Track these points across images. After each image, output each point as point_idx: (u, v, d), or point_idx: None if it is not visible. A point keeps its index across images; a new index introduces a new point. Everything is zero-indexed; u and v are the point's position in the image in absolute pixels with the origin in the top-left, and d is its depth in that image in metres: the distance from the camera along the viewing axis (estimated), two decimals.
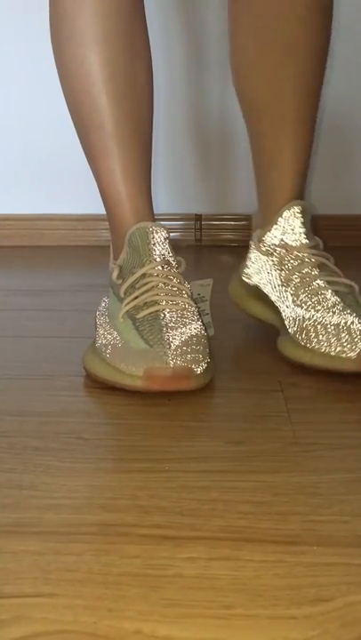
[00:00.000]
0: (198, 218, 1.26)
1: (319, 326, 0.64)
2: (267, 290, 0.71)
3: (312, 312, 0.65)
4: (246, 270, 0.73)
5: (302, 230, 0.69)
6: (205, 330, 0.63)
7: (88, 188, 1.32)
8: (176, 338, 0.60)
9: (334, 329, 0.63)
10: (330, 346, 0.63)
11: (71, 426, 0.55)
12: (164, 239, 0.68)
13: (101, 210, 1.26)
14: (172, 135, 1.30)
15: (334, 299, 0.65)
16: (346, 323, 0.63)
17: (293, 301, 0.67)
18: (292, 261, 0.69)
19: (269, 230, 0.70)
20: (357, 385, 0.62)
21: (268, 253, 0.70)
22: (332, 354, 0.63)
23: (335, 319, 0.63)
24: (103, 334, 0.64)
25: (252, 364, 0.68)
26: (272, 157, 0.72)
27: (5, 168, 1.33)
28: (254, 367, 0.67)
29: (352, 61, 1.23)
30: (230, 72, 0.77)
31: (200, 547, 0.41)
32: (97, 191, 1.36)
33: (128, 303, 0.64)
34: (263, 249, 0.71)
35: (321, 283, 0.66)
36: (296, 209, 0.69)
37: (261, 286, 0.71)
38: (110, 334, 0.64)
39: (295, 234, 0.69)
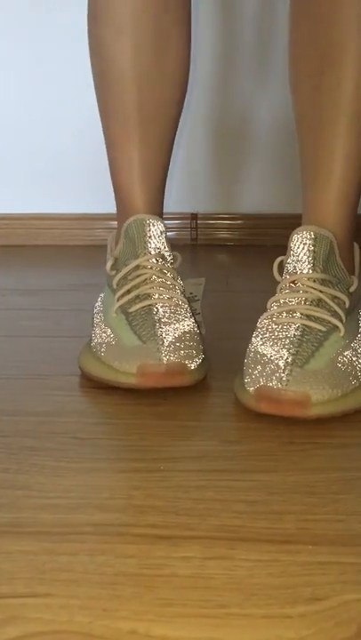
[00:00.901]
0: (194, 217, 1.26)
1: (252, 351, 0.58)
2: None
3: (258, 338, 0.59)
4: None
5: (309, 259, 0.61)
6: (198, 327, 0.63)
7: (84, 187, 1.32)
8: (169, 334, 0.59)
9: (260, 358, 0.57)
10: (245, 373, 0.58)
11: (67, 425, 0.55)
12: (161, 232, 0.68)
13: (97, 209, 1.26)
14: None
15: (293, 332, 0.57)
16: (272, 356, 0.56)
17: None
18: (285, 289, 0.62)
19: (290, 256, 0.63)
20: None
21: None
22: (242, 382, 0.58)
23: (268, 350, 0.57)
24: (99, 333, 0.64)
25: None
26: (307, 175, 0.67)
27: (1, 167, 1.32)
28: None
29: None
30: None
31: (195, 546, 0.41)
32: (93, 190, 1.36)
33: (121, 297, 0.64)
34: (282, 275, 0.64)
35: (297, 314, 0.59)
36: (306, 234, 0.62)
37: None
38: (104, 332, 0.64)
39: (301, 261, 0.61)
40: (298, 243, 0.62)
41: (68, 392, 0.63)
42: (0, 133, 1.30)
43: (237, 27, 1.12)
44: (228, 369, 0.65)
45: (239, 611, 0.36)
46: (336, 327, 0.58)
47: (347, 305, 0.61)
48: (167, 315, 0.61)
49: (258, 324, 0.61)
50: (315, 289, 0.60)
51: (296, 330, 0.57)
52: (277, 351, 0.56)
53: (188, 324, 0.61)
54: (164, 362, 0.58)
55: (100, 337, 0.64)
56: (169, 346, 0.58)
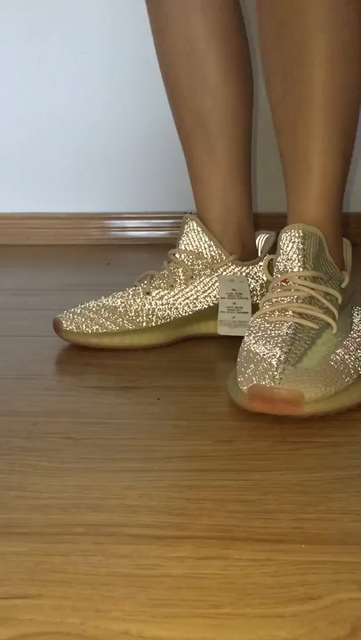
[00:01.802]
0: None
1: (245, 350, 0.58)
2: None
3: (251, 337, 0.59)
4: None
5: (299, 257, 0.61)
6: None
7: (77, 186, 1.32)
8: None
9: (253, 356, 0.56)
10: (238, 372, 0.57)
11: (60, 426, 0.54)
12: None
13: (90, 208, 1.26)
14: (161, 132, 1.29)
15: (286, 331, 0.57)
16: (265, 354, 0.55)
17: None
18: (276, 288, 0.62)
19: (279, 255, 0.63)
20: None
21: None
22: (235, 381, 0.57)
23: (261, 348, 0.56)
24: None
25: None
26: (288, 176, 0.67)
27: None
28: None
29: None
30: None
31: (188, 546, 0.41)
32: (86, 190, 1.36)
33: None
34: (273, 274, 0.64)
35: (289, 313, 0.59)
36: (294, 232, 0.61)
37: None
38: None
39: (291, 260, 0.61)
40: (287, 241, 0.62)
41: (61, 392, 0.63)
42: None
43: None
44: (222, 369, 0.65)
45: (233, 610, 0.36)
46: (328, 324, 0.58)
47: (339, 301, 0.61)
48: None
49: (250, 323, 0.61)
50: (306, 287, 0.60)
51: (288, 328, 0.57)
52: (270, 349, 0.55)
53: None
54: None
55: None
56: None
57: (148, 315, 0.72)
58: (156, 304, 0.72)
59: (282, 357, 0.54)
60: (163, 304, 0.72)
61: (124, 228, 1.32)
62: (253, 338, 0.58)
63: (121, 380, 0.65)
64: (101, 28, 1.24)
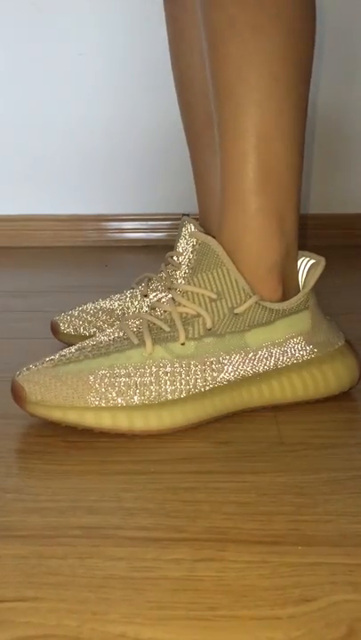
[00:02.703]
0: None
1: None
2: None
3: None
4: None
5: (178, 244, 0.62)
6: None
7: (74, 188, 1.32)
8: None
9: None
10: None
11: (56, 428, 0.54)
12: None
13: (88, 210, 1.26)
14: (157, 134, 1.29)
15: (105, 337, 0.57)
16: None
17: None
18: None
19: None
20: None
21: None
22: None
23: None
24: None
25: None
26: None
27: None
28: None
29: (341, 63, 1.24)
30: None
31: (185, 548, 0.41)
32: (83, 192, 1.36)
33: None
34: None
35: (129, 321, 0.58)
36: (185, 219, 0.64)
37: None
38: None
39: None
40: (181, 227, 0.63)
41: None
42: None
43: None
44: None
45: (229, 612, 0.36)
46: (142, 343, 0.56)
47: (208, 324, 0.55)
48: None
49: None
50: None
51: (110, 335, 0.58)
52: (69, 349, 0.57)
53: None
54: None
55: None
56: None
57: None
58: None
59: (55, 357, 0.56)
60: None
61: (122, 230, 1.32)
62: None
63: None
64: (98, 30, 1.25)
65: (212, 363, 0.55)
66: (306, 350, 0.59)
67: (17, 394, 0.54)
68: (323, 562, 0.39)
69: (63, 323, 0.73)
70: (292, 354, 0.58)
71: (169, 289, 0.59)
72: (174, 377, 0.55)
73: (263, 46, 0.54)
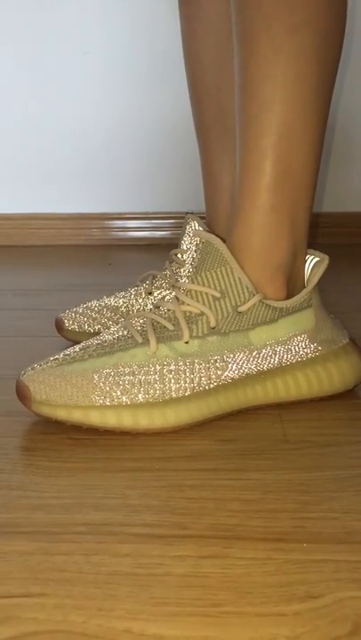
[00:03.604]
0: None
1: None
2: None
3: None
4: None
5: (182, 242, 0.65)
6: None
7: (77, 187, 1.32)
8: None
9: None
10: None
11: (61, 426, 0.54)
12: None
13: (91, 209, 1.26)
14: (161, 133, 1.29)
15: (110, 336, 0.57)
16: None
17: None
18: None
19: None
20: None
21: None
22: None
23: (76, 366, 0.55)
24: None
25: None
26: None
27: None
28: None
29: None
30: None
31: (190, 545, 0.41)
32: (86, 190, 1.36)
33: None
34: None
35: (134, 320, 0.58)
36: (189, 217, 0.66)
37: None
38: None
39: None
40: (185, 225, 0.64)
41: None
42: None
43: None
44: None
45: (234, 609, 0.36)
46: (146, 342, 0.56)
47: (212, 323, 0.55)
48: None
49: None
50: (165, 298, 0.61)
51: (114, 333, 0.58)
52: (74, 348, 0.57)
53: None
54: None
55: None
56: None
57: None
58: None
59: (60, 356, 0.56)
60: None
61: (126, 229, 1.32)
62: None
63: None
64: (103, 29, 1.25)
65: (216, 361, 0.55)
66: (310, 348, 0.59)
67: (22, 393, 0.54)
68: (328, 559, 0.39)
69: (68, 319, 0.73)
70: (296, 352, 0.58)
71: (173, 287, 0.59)
72: (179, 375, 0.55)
73: (295, 46, 0.54)
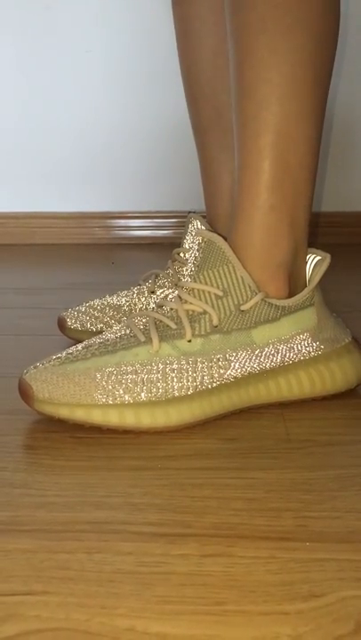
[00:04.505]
0: None
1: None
2: None
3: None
4: None
5: (185, 241, 0.67)
6: None
7: (80, 185, 1.32)
8: None
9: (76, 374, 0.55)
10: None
11: (63, 424, 0.54)
12: None
13: (94, 207, 1.25)
14: (163, 132, 1.29)
15: (112, 335, 0.57)
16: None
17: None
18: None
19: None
20: None
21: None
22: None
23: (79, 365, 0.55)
24: None
25: None
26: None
27: None
28: None
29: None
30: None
31: (193, 544, 0.41)
32: (89, 189, 1.36)
33: None
34: None
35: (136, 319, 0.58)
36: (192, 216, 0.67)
37: None
38: None
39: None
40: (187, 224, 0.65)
41: None
42: None
43: None
44: None
45: (237, 608, 0.36)
46: (149, 340, 0.56)
47: (214, 321, 0.55)
48: None
49: None
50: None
51: (117, 332, 0.58)
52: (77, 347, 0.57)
53: None
54: None
55: None
56: None
57: None
58: None
59: (62, 355, 0.56)
60: None
61: (128, 228, 1.32)
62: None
63: None
64: (105, 28, 1.25)
65: (218, 359, 0.55)
66: (312, 347, 0.59)
67: (24, 392, 0.54)
68: (331, 558, 0.39)
69: (70, 318, 0.73)
70: (298, 350, 0.58)
71: (176, 285, 0.59)
72: (181, 374, 0.55)
73: (290, 46, 0.54)
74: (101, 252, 1.25)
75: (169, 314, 0.57)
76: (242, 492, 0.46)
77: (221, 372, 0.56)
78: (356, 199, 1.31)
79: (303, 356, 0.58)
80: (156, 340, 0.55)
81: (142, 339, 0.56)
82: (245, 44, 0.55)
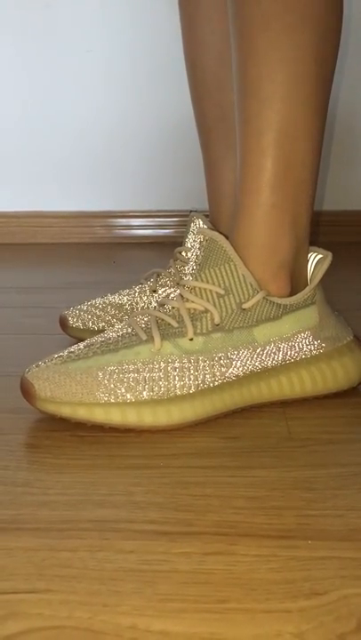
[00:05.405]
0: None
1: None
2: None
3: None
4: None
5: (186, 240, 0.67)
6: None
7: (81, 185, 1.32)
8: None
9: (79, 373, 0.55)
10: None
11: (65, 423, 0.55)
12: None
13: (95, 207, 1.26)
14: (165, 130, 1.29)
15: (113, 334, 0.57)
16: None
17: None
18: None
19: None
20: None
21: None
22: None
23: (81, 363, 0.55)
24: None
25: None
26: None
27: None
28: None
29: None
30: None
31: (195, 542, 0.41)
32: (90, 188, 1.36)
33: None
34: None
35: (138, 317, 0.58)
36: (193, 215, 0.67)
37: None
38: None
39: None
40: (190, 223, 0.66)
41: None
42: None
43: None
44: None
45: (239, 606, 0.36)
46: (151, 339, 0.56)
47: (216, 320, 0.55)
48: None
49: None
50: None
51: (119, 331, 0.58)
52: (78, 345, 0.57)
53: None
54: None
55: None
56: None
57: None
58: None
59: (64, 354, 0.56)
60: None
61: (130, 227, 1.32)
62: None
63: None
64: (106, 27, 1.25)
65: (220, 358, 0.55)
66: (314, 345, 0.59)
67: (26, 391, 0.54)
68: (332, 556, 0.39)
69: (72, 317, 0.73)
70: (300, 348, 0.58)
71: (177, 284, 0.59)
72: (183, 372, 0.55)
73: (294, 44, 0.54)
74: (103, 252, 1.25)
75: (171, 312, 0.57)
76: (244, 490, 0.46)
77: (223, 370, 0.56)
78: (358, 198, 1.31)
79: (305, 354, 0.58)
80: (157, 338, 0.55)
81: (144, 337, 0.56)
82: (248, 41, 0.56)
